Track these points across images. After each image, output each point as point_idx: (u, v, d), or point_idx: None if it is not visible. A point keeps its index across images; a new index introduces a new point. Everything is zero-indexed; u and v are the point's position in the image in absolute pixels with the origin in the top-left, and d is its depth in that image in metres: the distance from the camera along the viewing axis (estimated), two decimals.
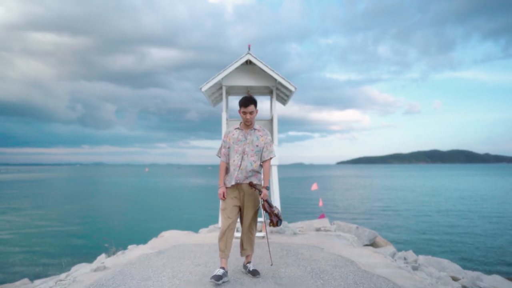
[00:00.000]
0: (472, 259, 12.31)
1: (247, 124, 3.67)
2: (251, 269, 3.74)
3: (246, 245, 3.72)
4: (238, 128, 3.72)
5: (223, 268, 3.53)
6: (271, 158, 3.68)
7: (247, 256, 3.82)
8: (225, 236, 3.54)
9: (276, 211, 3.61)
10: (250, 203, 3.66)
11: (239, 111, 3.63)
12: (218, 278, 3.38)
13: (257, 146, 3.62)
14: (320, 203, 13.04)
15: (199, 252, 4.84)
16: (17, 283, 6.33)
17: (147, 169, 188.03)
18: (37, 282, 5.81)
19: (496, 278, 8.44)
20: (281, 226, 6.56)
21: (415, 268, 5.28)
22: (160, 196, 38.66)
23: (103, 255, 5.85)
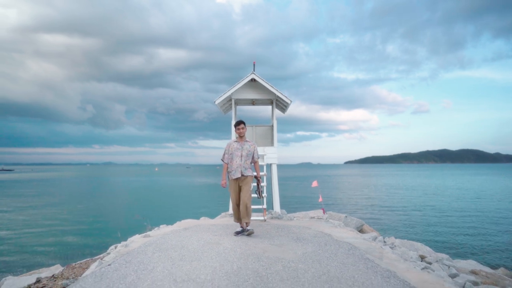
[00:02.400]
0: (459, 252, 13.56)
1: (241, 137, 5.91)
2: (246, 230, 5.69)
3: (244, 216, 5.70)
4: (236, 141, 5.94)
5: (242, 227, 5.81)
6: (258, 159, 5.99)
7: (246, 223, 5.71)
8: (234, 211, 5.91)
9: (262, 189, 6.10)
10: (245, 187, 5.75)
11: (235, 129, 5.91)
12: (237, 233, 5.77)
13: (249, 151, 5.89)
14: (320, 199, 14.45)
15: (216, 228, 6.46)
16: (52, 268, 7.75)
17: (157, 169, 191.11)
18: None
19: (470, 263, 9.70)
20: (273, 212, 8.18)
21: (391, 248, 6.73)
22: (173, 193, 40.51)
23: (137, 235, 7.44)
